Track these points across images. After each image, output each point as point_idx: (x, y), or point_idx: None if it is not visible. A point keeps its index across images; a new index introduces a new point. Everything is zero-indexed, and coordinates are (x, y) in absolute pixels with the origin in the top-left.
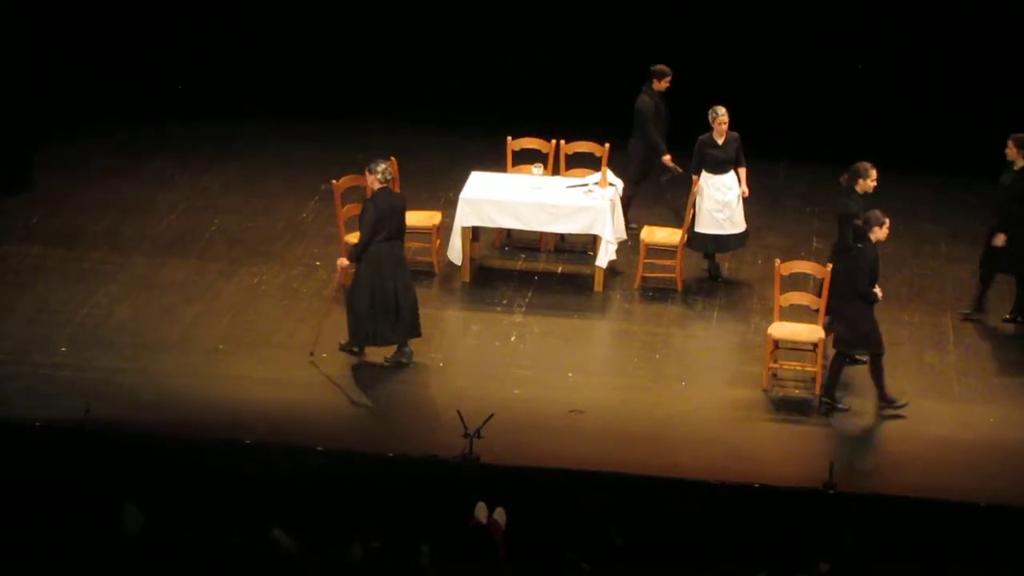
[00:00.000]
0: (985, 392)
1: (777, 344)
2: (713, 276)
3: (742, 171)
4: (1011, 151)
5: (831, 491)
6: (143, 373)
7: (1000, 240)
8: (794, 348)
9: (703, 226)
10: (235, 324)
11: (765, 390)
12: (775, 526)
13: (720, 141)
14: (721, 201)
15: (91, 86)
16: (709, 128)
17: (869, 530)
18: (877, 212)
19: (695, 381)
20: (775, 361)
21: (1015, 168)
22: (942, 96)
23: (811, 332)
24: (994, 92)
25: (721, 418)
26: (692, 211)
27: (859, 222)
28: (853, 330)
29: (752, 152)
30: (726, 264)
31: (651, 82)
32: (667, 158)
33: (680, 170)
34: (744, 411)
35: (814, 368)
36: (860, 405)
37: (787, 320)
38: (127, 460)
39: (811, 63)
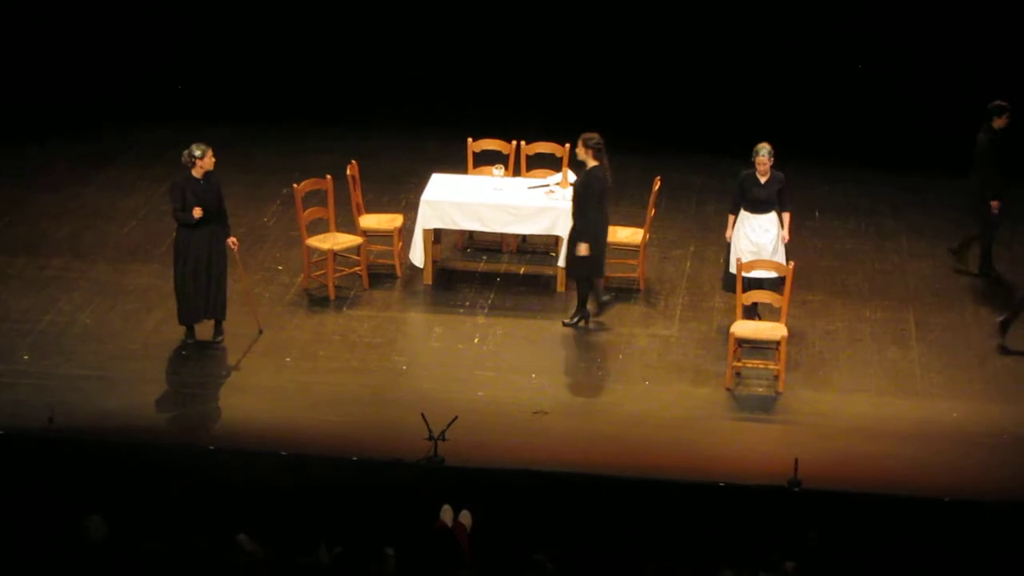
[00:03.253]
0: (948, 387)
1: (740, 343)
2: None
3: (786, 216)
4: (580, 151)
5: (796, 489)
6: (106, 380)
7: (583, 249)
8: (756, 347)
9: (736, 266)
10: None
11: (729, 388)
12: (740, 524)
13: (763, 180)
14: (757, 243)
15: (50, 93)
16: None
17: (834, 528)
18: None
19: (658, 381)
20: (738, 359)
21: (586, 169)
22: (901, 94)
23: (773, 330)
24: (951, 90)
25: (685, 417)
26: (653, 211)
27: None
28: None
29: (727, 150)
30: (688, 263)
31: (990, 120)
32: (994, 204)
33: (997, 220)
34: (708, 410)
35: (776, 366)
36: (825, 402)
37: (749, 319)
38: (91, 468)
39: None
